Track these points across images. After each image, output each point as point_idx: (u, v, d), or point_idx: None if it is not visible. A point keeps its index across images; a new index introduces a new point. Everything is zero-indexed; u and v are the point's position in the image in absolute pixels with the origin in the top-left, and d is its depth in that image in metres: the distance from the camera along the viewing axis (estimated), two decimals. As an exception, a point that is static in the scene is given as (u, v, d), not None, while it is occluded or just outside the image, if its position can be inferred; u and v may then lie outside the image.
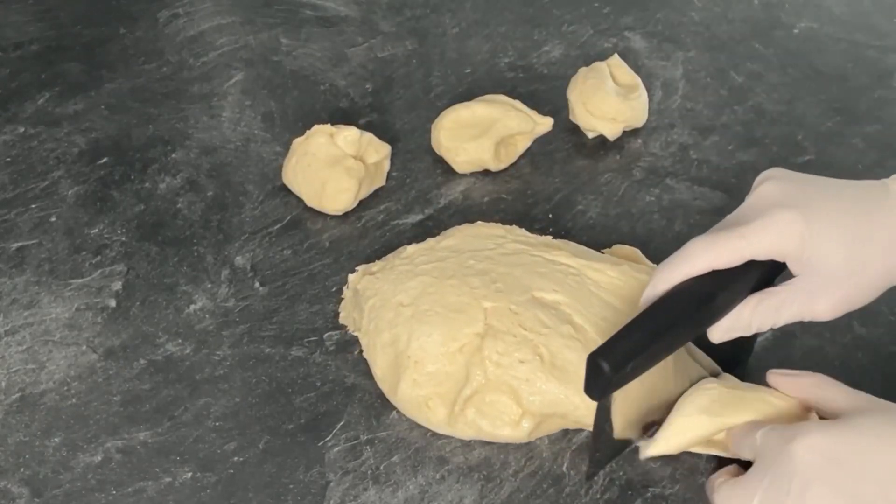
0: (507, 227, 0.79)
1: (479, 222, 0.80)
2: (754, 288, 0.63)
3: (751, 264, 0.62)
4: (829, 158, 0.92)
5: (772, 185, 0.63)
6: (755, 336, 0.71)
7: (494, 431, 0.69)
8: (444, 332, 0.70)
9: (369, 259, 0.82)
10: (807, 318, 0.64)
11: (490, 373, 0.69)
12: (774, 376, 0.66)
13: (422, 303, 0.72)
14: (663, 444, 0.66)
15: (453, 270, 0.74)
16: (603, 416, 0.64)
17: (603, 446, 0.66)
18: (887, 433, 0.57)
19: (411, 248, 0.78)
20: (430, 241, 0.78)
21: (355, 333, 0.76)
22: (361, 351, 0.75)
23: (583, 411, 0.67)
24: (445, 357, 0.70)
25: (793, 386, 0.65)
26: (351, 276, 0.79)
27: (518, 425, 0.68)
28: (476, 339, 0.70)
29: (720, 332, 0.64)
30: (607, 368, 0.59)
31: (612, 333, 0.61)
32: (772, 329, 0.65)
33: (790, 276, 0.63)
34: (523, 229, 0.79)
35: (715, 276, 0.62)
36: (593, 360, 0.60)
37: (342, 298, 0.79)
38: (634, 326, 0.61)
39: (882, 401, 0.61)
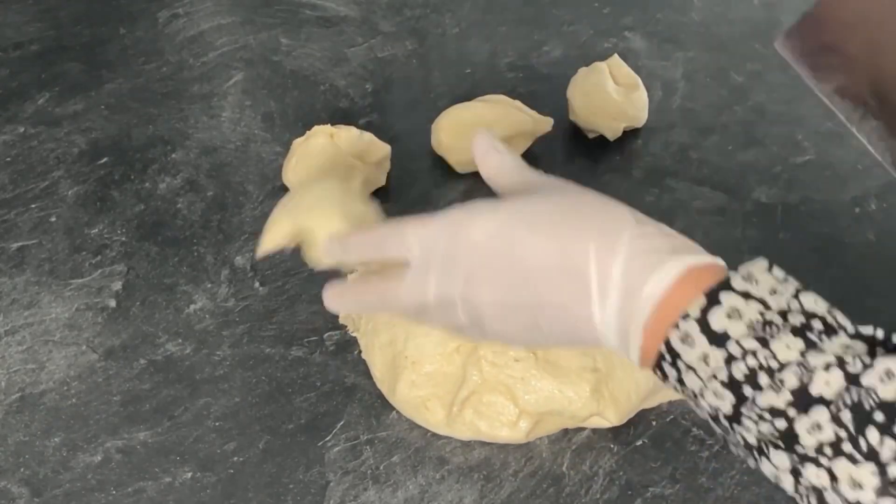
0: None
1: None
2: None
3: None
4: (829, 158, 0.92)
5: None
6: None
7: (492, 432, 0.69)
8: (439, 333, 0.70)
9: (369, 259, 0.82)
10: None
11: (486, 373, 0.69)
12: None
13: None
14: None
15: None
16: None
17: None
18: (542, 212, 0.53)
19: None
20: None
21: (354, 334, 0.76)
22: (361, 351, 0.75)
23: (578, 405, 0.67)
24: (443, 357, 0.70)
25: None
26: (350, 277, 0.79)
27: (516, 426, 0.68)
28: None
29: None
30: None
31: None
32: None
33: None
34: None
35: None
36: None
37: (342, 298, 0.79)
38: None
39: (555, 180, 0.57)
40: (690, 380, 0.47)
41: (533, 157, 0.92)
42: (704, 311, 0.47)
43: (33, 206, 0.87)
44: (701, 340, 0.47)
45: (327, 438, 0.70)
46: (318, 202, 0.64)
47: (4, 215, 0.86)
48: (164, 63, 1.03)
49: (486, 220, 0.53)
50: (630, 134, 0.93)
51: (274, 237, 0.64)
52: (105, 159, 0.92)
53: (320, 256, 0.62)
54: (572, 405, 0.68)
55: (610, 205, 0.54)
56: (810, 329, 0.45)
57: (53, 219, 0.86)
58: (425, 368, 0.70)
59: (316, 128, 0.86)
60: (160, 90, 1.00)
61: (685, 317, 0.47)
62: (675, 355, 0.47)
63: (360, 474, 0.68)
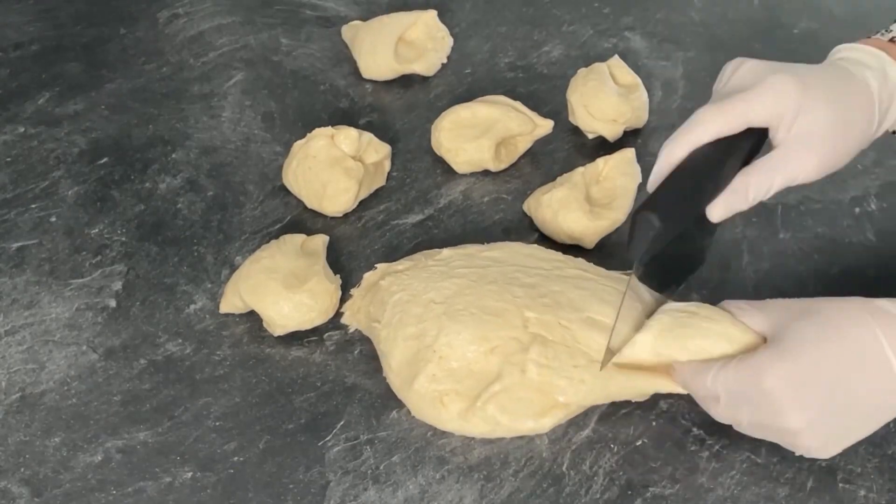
0: (568, 256, 0.78)
1: (536, 245, 0.79)
2: (743, 164, 0.66)
3: (746, 134, 0.65)
4: (829, 158, 0.92)
5: (754, 62, 0.68)
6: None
7: (514, 425, 0.69)
8: (475, 333, 0.71)
9: (369, 259, 0.82)
10: (796, 182, 0.67)
11: (533, 374, 0.69)
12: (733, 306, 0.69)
13: (456, 302, 0.72)
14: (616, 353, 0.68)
15: (494, 277, 0.74)
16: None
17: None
18: (823, 338, 0.62)
19: (447, 251, 0.78)
20: (470, 248, 0.78)
21: (365, 331, 0.76)
22: (361, 351, 0.75)
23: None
24: (473, 356, 0.70)
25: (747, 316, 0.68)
26: (367, 274, 0.79)
27: (543, 418, 0.69)
28: (513, 343, 0.70)
29: (719, 209, 0.65)
30: (656, 221, 0.61)
31: None
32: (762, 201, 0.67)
33: (768, 152, 0.67)
34: (584, 261, 0.77)
35: (719, 144, 0.65)
36: (639, 215, 0.61)
37: (350, 296, 0.79)
38: (665, 189, 0.63)
39: (793, 303, 0.66)
40: None
41: (533, 157, 0.92)
42: None
43: (33, 206, 0.87)
44: None
45: (327, 438, 0.70)
46: (259, 285, 0.75)
47: (4, 215, 0.86)
48: (165, 63, 1.03)
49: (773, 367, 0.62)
50: (630, 134, 0.93)
51: (227, 307, 0.78)
52: (105, 159, 0.92)
53: (273, 329, 0.75)
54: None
55: (845, 301, 0.65)
56: None
57: (53, 219, 0.86)
58: (451, 364, 0.70)
59: (316, 131, 0.86)
60: (160, 90, 1.00)
61: None
62: None
63: (360, 474, 0.68)
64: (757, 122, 0.65)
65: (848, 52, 0.72)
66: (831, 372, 0.62)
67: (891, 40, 0.72)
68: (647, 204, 0.62)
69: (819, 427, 0.62)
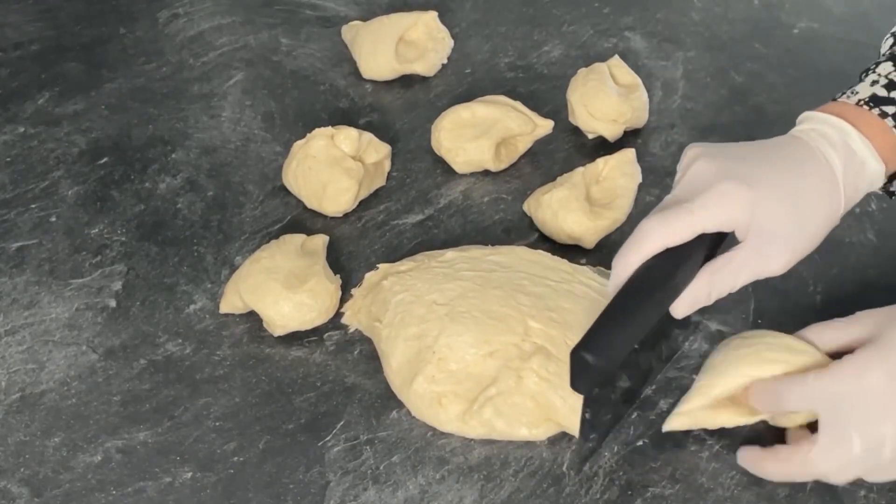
0: (575, 265, 0.77)
1: (541, 251, 0.79)
2: (704, 260, 0.65)
3: (701, 238, 0.63)
4: (829, 158, 0.92)
5: (705, 161, 0.65)
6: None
7: (510, 431, 0.69)
8: (476, 336, 0.71)
9: (369, 259, 0.82)
10: (763, 276, 0.66)
11: (531, 383, 0.69)
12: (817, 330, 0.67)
13: (458, 305, 0.72)
14: (685, 411, 0.67)
15: (500, 283, 0.74)
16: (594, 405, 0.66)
17: (598, 431, 0.67)
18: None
19: (451, 253, 0.78)
20: (475, 251, 0.78)
21: (366, 331, 0.76)
22: (361, 351, 0.75)
23: None
24: (472, 359, 0.70)
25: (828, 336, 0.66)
26: (368, 274, 0.79)
27: (537, 427, 0.69)
28: (512, 349, 0.70)
29: (683, 307, 0.64)
30: (592, 360, 0.60)
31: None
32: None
33: (734, 241, 0.65)
34: (590, 269, 0.77)
35: (669, 254, 0.63)
36: (577, 356, 0.60)
37: (351, 296, 0.79)
38: (606, 317, 0.62)
39: (883, 311, 0.64)
40: None
41: (533, 157, 0.92)
42: None
43: (33, 206, 0.87)
44: None
45: (327, 438, 0.70)
46: (259, 285, 0.75)
47: (4, 215, 0.86)
48: (164, 63, 1.03)
49: (879, 364, 0.60)
50: (630, 134, 0.93)
51: (226, 307, 0.77)
52: (105, 159, 0.92)
53: (273, 329, 0.75)
54: None
55: None
56: None
57: (53, 219, 0.86)
58: (450, 366, 0.70)
59: (316, 131, 0.86)
60: (160, 90, 1.00)
61: None
62: None
63: (360, 474, 0.68)
64: (709, 230, 0.63)
65: (810, 124, 0.69)
66: None
67: (857, 103, 0.69)
68: (582, 344, 0.61)
69: None
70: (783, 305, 0.78)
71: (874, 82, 0.70)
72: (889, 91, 0.69)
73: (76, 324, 0.78)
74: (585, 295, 0.74)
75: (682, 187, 0.65)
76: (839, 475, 0.63)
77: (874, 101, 0.69)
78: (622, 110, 0.90)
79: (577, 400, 0.67)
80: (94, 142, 0.94)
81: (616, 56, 0.95)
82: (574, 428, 0.68)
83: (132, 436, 0.70)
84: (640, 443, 0.70)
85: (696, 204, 0.63)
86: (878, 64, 0.72)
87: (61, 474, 0.68)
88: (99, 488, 0.67)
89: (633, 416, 0.71)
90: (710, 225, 0.63)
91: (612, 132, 0.91)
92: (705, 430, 0.69)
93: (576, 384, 0.62)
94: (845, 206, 0.68)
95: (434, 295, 0.74)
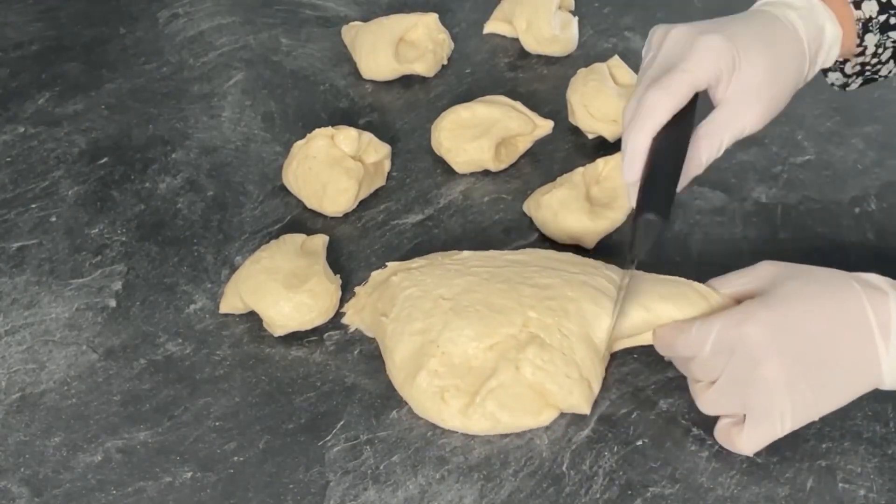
0: (602, 262, 0.76)
1: (570, 252, 0.78)
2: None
3: (690, 104, 0.66)
4: (829, 158, 0.92)
5: (680, 29, 0.69)
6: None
7: (514, 422, 0.69)
8: (478, 329, 0.71)
9: (369, 259, 0.82)
10: (742, 135, 0.69)
11: (527, 373, 0.69)
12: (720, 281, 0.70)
13: (463, 299, 0.72)
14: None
15: (507, 276, 0.74)
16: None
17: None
18: (809, 294, 0.64)
19: (467, 253, 0.78)
20: (494, 252, 0.78)
21: (368, 329, 0.76)
22: (361, 351, 0.75)
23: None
24: (473, 352, 0.70)
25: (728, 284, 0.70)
26: (375, 273, 0.79)
27: (541, 414, 0.70)
28: (511, 341, 0.70)
29: (686, 178, 0.67)
30: (657, 218, 0.62)
31: None
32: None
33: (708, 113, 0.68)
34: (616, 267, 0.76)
35: (673, 123, 0.66)
36: (643, 220, 0.62)
37: (353, 295, 0.79)
38: (652, 183, 0.65)
39: (785, 265, 0.67)
40: None
41: (533, 157, 0.92)
42: None
43: (33, 206, 0.87)
44: None
45: (327, 438, 0.70)
46: (259, 285, 0.75)
47: (4, 215, 0.86)
48: (164, 63, 1.03)
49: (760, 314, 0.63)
50: (630, 134, 0.93)
51: (227, 307, 0.77)
52: (105, 159, 0.92)
53: (273, 329, 0.76)
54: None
55: (835, 270, 0.66)
56: None
57: (53, 219, 0.86)
58: (453, 360, 0.71)
59: (316, 131, 0.86)
60: (160, 90, 1.00)
61: None
62: None
63: (360, 474, 0.68)
64: (700, 87, 0.67)
65: None
66: (814, 327, 0.63)
67: None
68: (646, 206, 0.63)
69: (794, 382, 0.63)
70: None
71: None
72: None
73: (76, 324, 0.78)
74: (602, 287, 0.73)
75: (665, 52, 0.68)
76: (711, 409, 0.67)
77: None
78: (622, 110, 0.90)
79: (573, 383, 0.69)
80: (94, 142, 0.94)
81: (616, 56, 0.95)
82: (572, 408, 0.70)
83: (132, 436, 0.70)
84: (640, 443, 0.70)
85: (689, 63, 0.66)
86: None
87: (61, 474, 0.68)
88: (99, 488, 0.67)
89: (634, 416, 0.71)
90: (704, 80, 0.66)
91: (612, 132, 0.91)
92: (705, 431, 0.70)
93: (639, 247, 0.64)
94: (809, 71, 0.72)
95: (441, 290, 0.73)
